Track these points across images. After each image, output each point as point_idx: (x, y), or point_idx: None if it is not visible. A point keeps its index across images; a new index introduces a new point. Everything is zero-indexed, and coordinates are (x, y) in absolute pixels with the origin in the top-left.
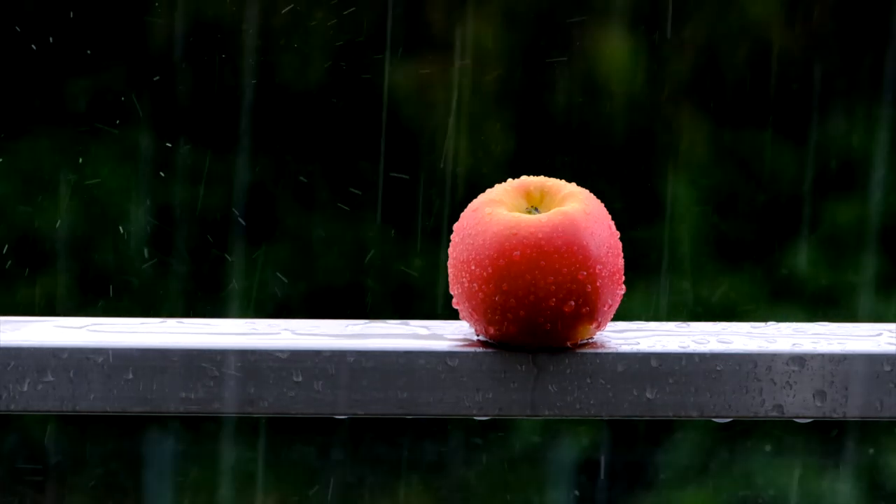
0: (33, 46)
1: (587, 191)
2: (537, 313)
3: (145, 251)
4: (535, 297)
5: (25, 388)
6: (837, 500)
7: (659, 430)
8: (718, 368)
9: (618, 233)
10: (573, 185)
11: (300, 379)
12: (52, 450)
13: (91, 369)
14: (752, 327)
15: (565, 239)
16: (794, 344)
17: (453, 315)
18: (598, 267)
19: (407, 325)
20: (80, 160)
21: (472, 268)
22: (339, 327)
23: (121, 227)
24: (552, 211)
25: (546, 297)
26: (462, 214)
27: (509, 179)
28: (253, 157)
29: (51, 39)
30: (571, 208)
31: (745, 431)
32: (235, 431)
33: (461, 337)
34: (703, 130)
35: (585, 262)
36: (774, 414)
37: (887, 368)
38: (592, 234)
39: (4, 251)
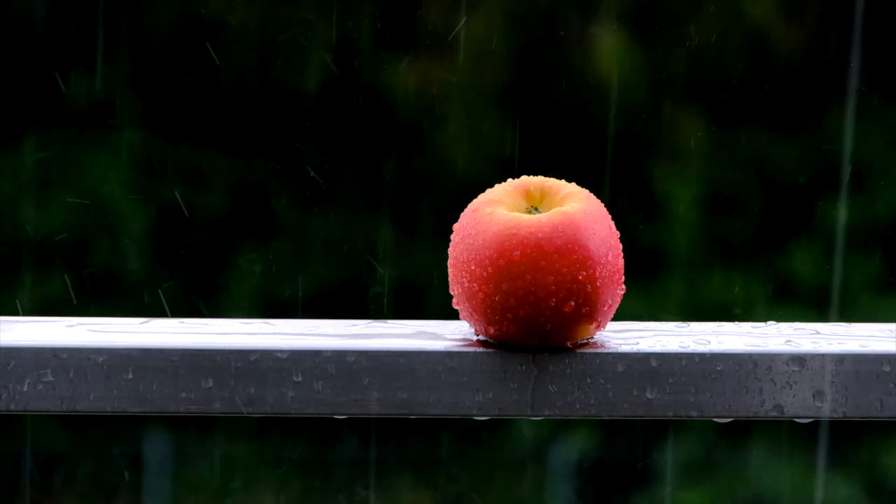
0: (32, 46)
1: (587, 191)
2: (537, 313)
3: (144, 251)
4: (535, 297)
5: (25, 388)
6: (837, 500)
7: (659, 430)
8: (718, 368)
9: (618, 233)
10: (573, 184)
11: (300, 379)
12: (52, 450)
13: (91, 369)
14: (752, 327)
15: (565, 239)
16: (794, 344)
17: (453, 315)
18: (599, 267)
19: (407, 325)
20: (80, 160)
21: (472, 268)
22: (339, 327)
23: (120, 227)
24: (552, 211)
25: (546, 297)
26: (462, 214)
27: (509, 179)
28: (252, 156)
29: (50, 39)
30: (571, 208)
31: (745, 431)
32: (235, 431)
33: (461, 337)
34: (703, 130)
35: (585, 262)
36: (774, 414)
37: (887, 368)
38: (592, 234)
39: (4, 251)
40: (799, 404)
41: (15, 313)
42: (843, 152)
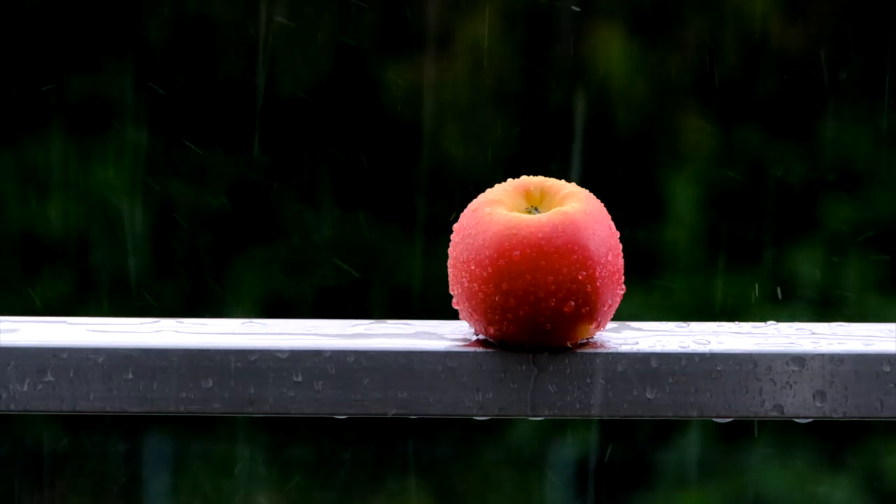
0: (33, 47)
1: (587, 191)
2: (537, 313)
3: (145, 251)
4: (535, 297)
5: (25, 388)
6: (837, 501)
7: (659, 430)
8: (718, 368)
9: (618, 233)
10: (573, 184)
11: (300, 379)
12: (53, 450)
13: (91, 369)
14: (752, 327)
15: (565, 239)
16: (794, 344)
17: (453, 315)
18: (598, 267)
19: (407, 324)
20: (80, 160)
21: (472, 268)
22: (339, 327)
23: (120, 227)
24: (552, 211)
25: (546, 298)
26: (462, 214)
27: (509, 179)
28: (253, 156)
29: (50, 39)
30: (571, 208)
31: (745, 431)
32: (235, 431)
33: (461, 337)
34: (704, 130)
35: (585, 262)
36: (774, 414)
37: (887, 368)
38: (592, 234)
39: (4, 251)
40: (799, 404)
41: (16, 313)
42: (843, 152)
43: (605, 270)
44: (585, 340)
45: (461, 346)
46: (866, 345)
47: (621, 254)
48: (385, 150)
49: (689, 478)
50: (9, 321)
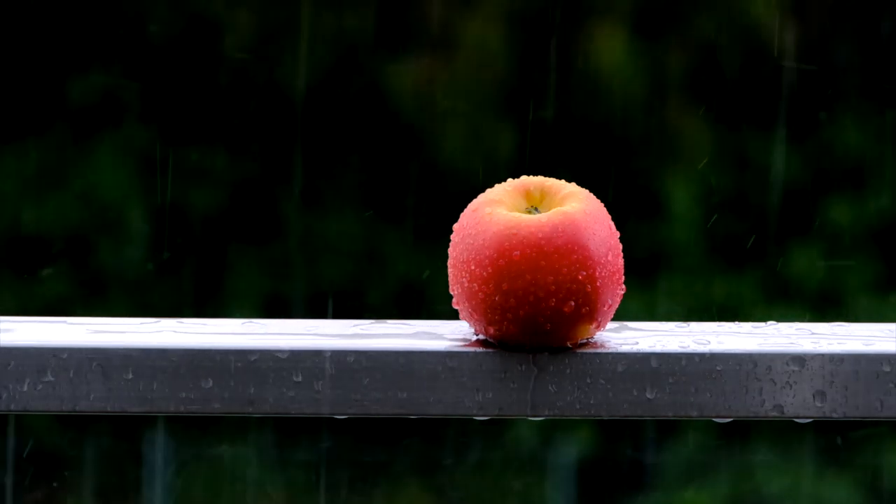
0: (33, 47)
1: (587, 191)
2: (537, 313)
3: (145, 251)
4: (535, 297)
5: (25, 388)
6: (837, 501)
7: (659, 430)
8: (718, 368)
9: (618, 233)
10: (573, 184)
11: (300, 379)
12: (53, 450)
13: (91, 369)
14: (752, 327)
15: (565, 239)
16: (794, 344)
17: (453, 315)
18: (599, 267)
19: (407, 324)
20: (80, 160)
21: (472, 268)
22: (339, 327)
23: (120, 227)
24: (552, 211)
25: (546, 297)
26: (462, 214)
27: (509, 179)
28: (253, 156)
29: (50, 39)
30: (571, 208)
31: (745, 432)
32: (235, 431)
33: (461, 337)
34: (703, 130)
35: (585, 262)
36: (774, 414)
37: (887, 368)
38: (592, 234)
39: (4, 251)
40: (799, 404)
41: (16, 313)
42: (843, 152)
43: (605, 270)
44: (585, 340)
45: (461, 346)
46: (866, 345)
47: (621, 254)
48: (385, 149)
49: (689, 478)
50: (8, 321)
